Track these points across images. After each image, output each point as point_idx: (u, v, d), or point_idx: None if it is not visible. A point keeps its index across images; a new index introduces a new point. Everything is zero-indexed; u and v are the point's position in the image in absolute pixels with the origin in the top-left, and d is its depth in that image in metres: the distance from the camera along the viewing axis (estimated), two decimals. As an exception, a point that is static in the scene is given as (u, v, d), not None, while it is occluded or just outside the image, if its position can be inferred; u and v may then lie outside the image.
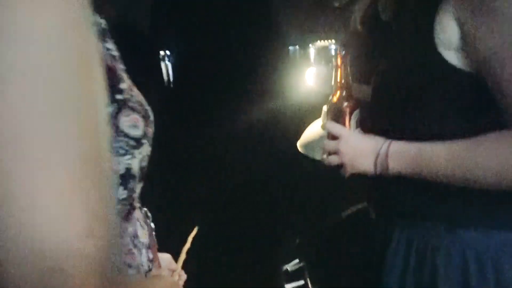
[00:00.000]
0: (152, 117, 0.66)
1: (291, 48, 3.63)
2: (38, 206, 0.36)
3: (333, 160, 1.12)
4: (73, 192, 0.37)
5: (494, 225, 0.98)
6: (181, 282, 0.91)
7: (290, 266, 1.72)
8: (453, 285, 1.00)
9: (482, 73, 0.88)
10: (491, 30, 0.84)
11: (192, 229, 1.00)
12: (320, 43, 3.84)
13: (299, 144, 1.68)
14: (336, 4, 1.19)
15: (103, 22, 0.65)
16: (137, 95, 0.65)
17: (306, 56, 3.74)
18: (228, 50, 3.12)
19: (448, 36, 0.90)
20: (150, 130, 0.65)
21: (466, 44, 0.88)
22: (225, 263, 2.39)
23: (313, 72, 1.56)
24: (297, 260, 1.72)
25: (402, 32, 1.00)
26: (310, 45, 3.80)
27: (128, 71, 0.66)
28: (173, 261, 0.93)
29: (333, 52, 3.65)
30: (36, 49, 0.36)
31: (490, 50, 0.84)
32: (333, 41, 3.70)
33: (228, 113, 2.86)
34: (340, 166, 1.12)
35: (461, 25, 0.88)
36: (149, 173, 0.67)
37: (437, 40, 0.91)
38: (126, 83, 0.63)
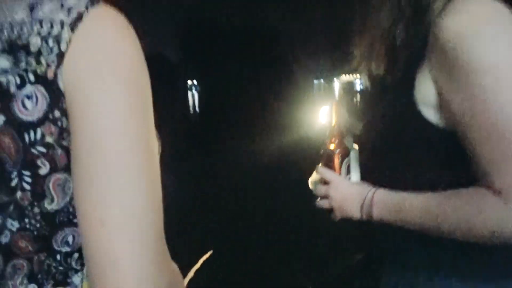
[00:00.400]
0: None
1: (315, 81, 3.69)
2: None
3: (324, 204, 1.17)
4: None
5: (473, 276, 1.00)
6: None
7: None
8: None
9: (456, 132, 0.92)
10: (463, 95, 0.87)
11: (206, 252, 1.06)
12: (345, 77, 3.88)
13: (310, 180, 1.73)
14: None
15: None
16: None
17: (330, 90, 3.80)
18: (252, 82, 3.20)
19: (426, 94, 0.94)
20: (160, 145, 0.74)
21: (442, 104, 0.93)
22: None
23: (326, 110, 1.61)
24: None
25: (390, 85, 1.05)
26: (335, 79, 3.85)
27: (157, 98, 0.76)
28: None
29: (357, 87, 3.71)
30: (132, 74, 0.56)
31: (463, 113, 0.88)
32: (359, 75, 3.73)
33: (249, 145, 2.92)
34: (331, 209, 1.17)
35: (437, 85, 0.92)
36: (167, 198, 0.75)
37: (416, 97, 0.96)
38: None
